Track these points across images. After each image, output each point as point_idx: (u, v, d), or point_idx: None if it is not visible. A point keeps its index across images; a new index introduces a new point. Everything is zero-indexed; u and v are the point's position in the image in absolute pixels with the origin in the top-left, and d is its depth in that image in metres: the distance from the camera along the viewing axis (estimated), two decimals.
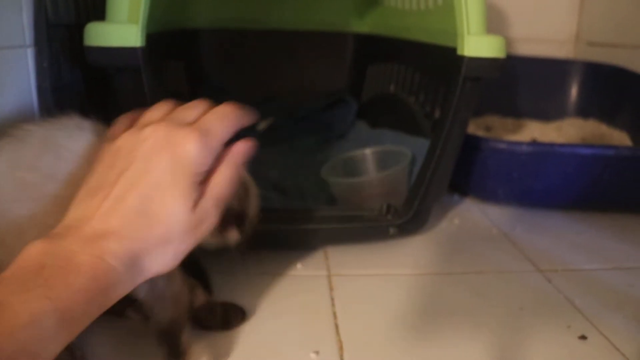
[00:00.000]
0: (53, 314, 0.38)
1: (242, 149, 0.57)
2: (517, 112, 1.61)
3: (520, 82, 1.62)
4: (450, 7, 0.85)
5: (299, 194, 1.04)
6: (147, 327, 0.60)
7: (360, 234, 0.90)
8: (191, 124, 0.51)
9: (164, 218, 0.47)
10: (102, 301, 0.43)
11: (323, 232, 0.87)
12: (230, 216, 0.61)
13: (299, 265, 0.86)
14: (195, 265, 0.71)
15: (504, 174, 1.08)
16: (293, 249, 0.90)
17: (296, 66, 1.50)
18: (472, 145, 1.06)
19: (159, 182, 0.47)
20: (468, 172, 1.11)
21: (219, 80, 1.46)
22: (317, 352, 0.64)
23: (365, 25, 1.52)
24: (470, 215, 1.11)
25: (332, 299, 0.77)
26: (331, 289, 0.80)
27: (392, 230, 0.88)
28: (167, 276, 0.56)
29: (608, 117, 1.48)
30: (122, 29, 0.73)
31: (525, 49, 1.67)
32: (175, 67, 1.24)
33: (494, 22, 1.64)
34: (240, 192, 0.62)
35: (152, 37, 0.78)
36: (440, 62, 0.98)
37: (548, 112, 1.60)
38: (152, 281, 0.55)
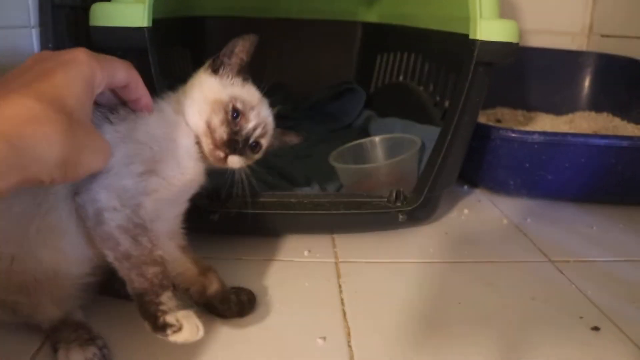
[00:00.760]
0: None
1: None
2: (528, 104, 1.58)
3: (531, 74, 1.59)
4: None
5: (306, 182, 1.03)
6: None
7: (369, 221, 0.89)
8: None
9: (57, 101, 0.46)
10: None
11: (331, 218, 0.86)
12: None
13: (306, 252, 0.84)
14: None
15: (515, 165, 1.06)
16: (301, 234, 0.89)
17: (304, 55, 1.49)
18: (482, 134, 1.04)
19: (51, 78, 0.47)
20: (478, 162, 1.09)
21: None
22: (324, 338, 0.63)
23: (373, 14, 1.50)
24: (480, 205, 1.09)
25: (340, 286, 0.76)
26: (339, 276, 0.78)
27: (401, 217, 0.86)
28: (132, 237, 0.55)
29: (621, 110, 1.46)
30: (128, 9, 0.72)
31: (538, 41, 1.64)
32: (181, 54, 1.23)
33: (507, 14, 1.62)
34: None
35: (159, 22, 0.77)
36: (450, 49, 0.96)
37: (560, 105, 1.57)
38: (116, 241, 0.55)
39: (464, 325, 0.68)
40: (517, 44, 0.81)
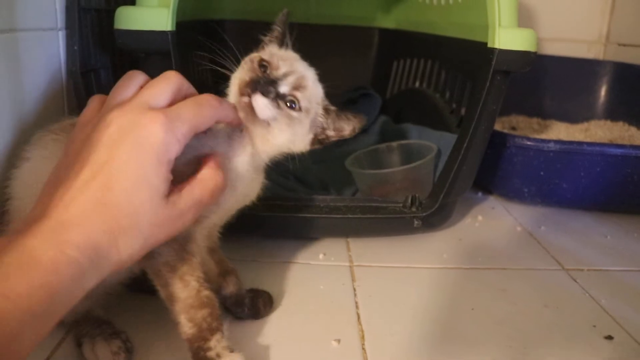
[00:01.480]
0: (14, 313, 0.36)
1: None
2: (544, 112, 1.58)
3: (547, 82, 1.59)
4: (481, 0, 0.84)
5: (322, 186, 1.04)
6: None
7: (384, 225, 0.89)
8: (160, 108, 0.48)
9: (126, 208, 0.44)
10: (67, 295, 0.41)
11: (347, 222, 0.87)
12: None
13: (321, 256, 0.85)
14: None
15: (530, 172, 1.07)
16: (317, 238, 0.90)
17: (321, 60, 1.49)
18: (498, 142, 1.05)
19: (121, 171, 0.45)
20: (493, 169, 1.10)
21: None
22: (338, 341, 0.64)
23: (391, 21, 1.51)
24: (495, 213, 1.10)
25: (354, 289, 0.76)
26: (353, 279, 0.79)
27: (416, 223, 0.87)
28: (180, 278, 0.55)
29: (637, 119, 1.45)
30: (153, 13, 0.73)
31: (554, 49, 1.64)
32: (201, 58, 1.25)
33: (523, 21, 1.61)
34: None
35: (181, 25, 0.78)
36: (468, 56, 0.97)
37: (575, 114, 1.57)
38: (164, 280, 0.55)
39: (476, 331, 0.68)
40: (535, 52, 0.82)
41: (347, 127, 0.64)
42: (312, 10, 1.51)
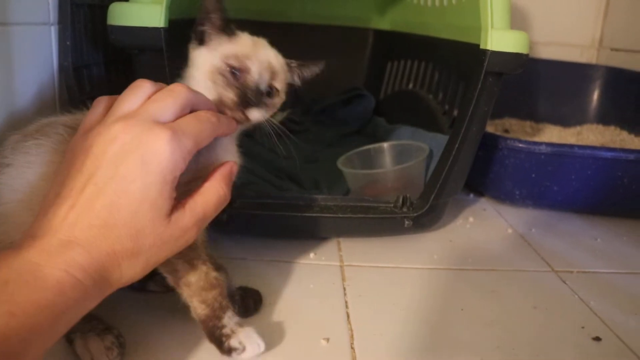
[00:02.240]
0: (19, 331, 0.37)
1: (232, 168, 0.55)
2: (536, 116, 1.59)
3: (540, 86, 1.60)
4: (474, 2, 0.85)
5: (314, 185, 1.04)
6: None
7: (375, 225, 0.89)
8: (166, 122, 0.48)
9: (131, 229, 0.44)
10: (70, 315, 0.41)
11: (338, 221, 0.86)
12: None
13: (312, 255, 0.85)
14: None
15: (522, 175, 1.07)
16: (308, 237, 0.90)
17: (315, 60, 1.49)
18: (490, 144, 1.05)
19: (127, 191, 0.44)
20: (485, 171, 1.10)
21: None
22: (327, 340, 0.64)
23: (385, 22, 1.51)
24: (486, 214, 1.10)
25: (345, 289, 0.76)
26: (343, 279, 0.79)
27: (406, 223, 0.87)
28: (188, 262, 0.57)
29: (629, 124, 1.46)
30: (146, 9, 0.73)
31: (548, 53, 1.65)
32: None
33: (517, 25, 1.62)
34: None
35: (175, 22, 0.78)
36: (461, 58, 0.97)
37: (568, 117, 1.58)
38: (173, 267, 0.56)
39: (466, 332, 0.69)
40: (527, 55, 0.82)
41: (310, 73, 0.73)
42: (307, 10, 1.51)
